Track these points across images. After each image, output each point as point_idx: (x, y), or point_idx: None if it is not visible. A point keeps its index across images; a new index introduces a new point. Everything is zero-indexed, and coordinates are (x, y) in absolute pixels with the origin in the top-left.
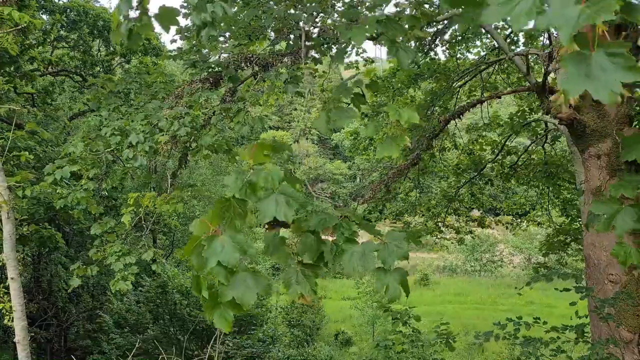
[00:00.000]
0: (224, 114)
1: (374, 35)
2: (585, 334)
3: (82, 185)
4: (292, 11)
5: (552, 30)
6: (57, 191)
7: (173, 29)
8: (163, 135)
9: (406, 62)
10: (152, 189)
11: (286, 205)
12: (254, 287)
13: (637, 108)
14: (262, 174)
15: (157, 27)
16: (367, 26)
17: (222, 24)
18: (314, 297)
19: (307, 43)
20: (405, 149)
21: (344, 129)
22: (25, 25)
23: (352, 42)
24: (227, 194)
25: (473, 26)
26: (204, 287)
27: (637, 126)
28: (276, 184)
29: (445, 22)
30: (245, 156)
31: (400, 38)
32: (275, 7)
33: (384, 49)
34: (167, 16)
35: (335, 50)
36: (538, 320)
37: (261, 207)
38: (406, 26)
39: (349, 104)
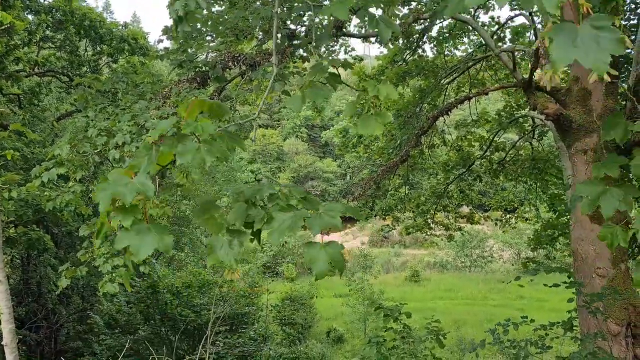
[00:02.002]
0: None
1: (354, 8)
2: (574, 328)
3: (69, 188)
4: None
5: (538, 26)
6: (45, 193)
7: (159, 29)
8: (150, 136)
9: (387, 35)
10: None
11: (207, 153)
12: (154, 241)
13: (623, 103)
14: (193, 124)
15: (146, 27)
16: None
17: (208, 23)
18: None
19: (294, 42)
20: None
21: (333, 125)
22: (8, 25)
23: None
24: (149, 138)
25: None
26: (102, 232)
27: None
28: (205, 135)
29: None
30: (181, 111)
31: (380, 11)
32: (262, 7)
33: (373, 47)
34: None
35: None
36: (526, 319)
37: (180, 150)
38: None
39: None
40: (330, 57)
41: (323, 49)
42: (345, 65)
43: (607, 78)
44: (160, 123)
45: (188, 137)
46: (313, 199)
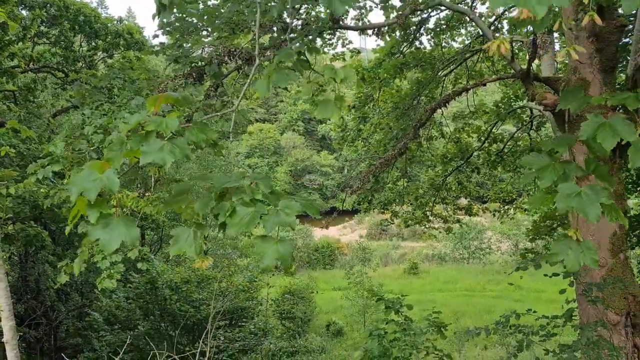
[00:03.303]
0: (207, 109)
1: None
2: (573, 317)
3: (66, 185)
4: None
5: None
6: (42, 190)
7: (155, 23)
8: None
9: (341, 10)
10: (138, 185)
11: (168, 152)
12: (122, 234)
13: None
14: (158, 121)
15: (141, 22)
16: None
17: (203, 17)
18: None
19: (290, 35)
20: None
21: (329, 120)
22: (2, 21)
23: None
24: (122, 133)
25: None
26: (74, 220)
27: (621, 110)
28: (168, 132)
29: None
30: (150, 105)
31: None
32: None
33: (369, 40)
34: None
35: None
36: (529, 311)
37: (145, 149)
38: None
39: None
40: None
41: (319, 42)
42: (311, 50)
43: (594, 19)
44: (130, 118)
45: (152, 134)
46: (279, 192)
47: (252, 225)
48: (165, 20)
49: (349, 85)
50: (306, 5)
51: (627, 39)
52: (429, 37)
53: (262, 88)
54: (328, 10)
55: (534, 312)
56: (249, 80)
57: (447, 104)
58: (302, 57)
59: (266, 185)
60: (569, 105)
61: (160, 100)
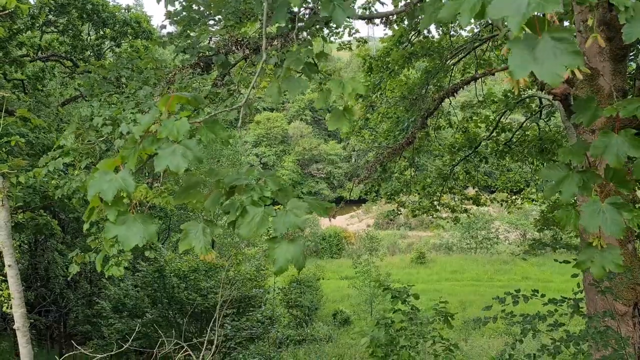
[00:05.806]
0: (213, 98)
1: None
2: (580, 309)
3: (76, 175)
4: None
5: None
6: (52, 181)
7: (162, 14)
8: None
9: (342, 20)
10: (147, 175)
11: (181, 157)
12: (139, 231)
13: (631, 82)
14: (169, 125)
15: (148, 10)
16: None
17: (210, 6)
18: (214, 257)
19: (297, 24)
20: (357, 120)
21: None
22: (12, 9)
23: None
24: (135, 135)
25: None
26: (91, 217)
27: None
28: (180, 136)
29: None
30: (161, 105)
31: None
32: None
33: (377, 29)
34: None
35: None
36: (536, 294)
37: (159, 154)
38: None
39: (300, 74)
40: (306, 48)
41: (326, 31)
42: (320, 56)
43: (561, 81)
44: (142, 118)
45: (164, 139)
46: (287, 189)
47: (263, 227)
48: (170, 8)
49: (355, 72)
50: None
51: None
52: (437, 25)
53: (274, 94)
54: None
55: (542, 295)
56: (257, 74)
57: (455, 94)
58: (310, 61)
59: (274, 182)
60: (582, 119)
61: (171, 100)
